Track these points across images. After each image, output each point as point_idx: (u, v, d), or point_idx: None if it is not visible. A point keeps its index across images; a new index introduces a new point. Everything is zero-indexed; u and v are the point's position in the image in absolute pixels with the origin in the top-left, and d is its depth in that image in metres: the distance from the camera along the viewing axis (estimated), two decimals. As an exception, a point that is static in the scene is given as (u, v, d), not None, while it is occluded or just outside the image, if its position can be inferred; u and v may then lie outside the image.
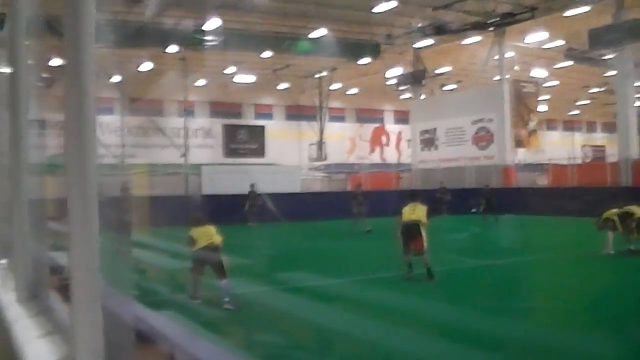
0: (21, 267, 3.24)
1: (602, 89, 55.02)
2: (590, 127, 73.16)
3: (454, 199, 32.26)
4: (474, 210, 29.52)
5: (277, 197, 29.54)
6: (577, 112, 66.44)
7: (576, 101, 61.63)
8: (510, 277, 13.93)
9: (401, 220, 12.65)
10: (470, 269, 14.76)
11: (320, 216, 29.91)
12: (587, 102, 62.05)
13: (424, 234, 12.35)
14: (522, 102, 38.84)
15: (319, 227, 27.40)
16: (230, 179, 32.47)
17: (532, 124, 39.51)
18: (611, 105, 62.54)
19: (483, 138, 38.60)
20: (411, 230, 12.38)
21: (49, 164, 3.97)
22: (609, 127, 72.79)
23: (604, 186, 30.90)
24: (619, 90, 33.48)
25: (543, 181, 39.20)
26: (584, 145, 69.67)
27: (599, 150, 68.63)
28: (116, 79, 39.89)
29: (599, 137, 73.23)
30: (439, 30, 31.38)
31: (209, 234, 10.81)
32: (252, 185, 29.27)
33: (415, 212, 12.63)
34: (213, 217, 25.80)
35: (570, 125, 69.66)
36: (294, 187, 34.08)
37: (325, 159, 46.60)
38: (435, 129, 41.80)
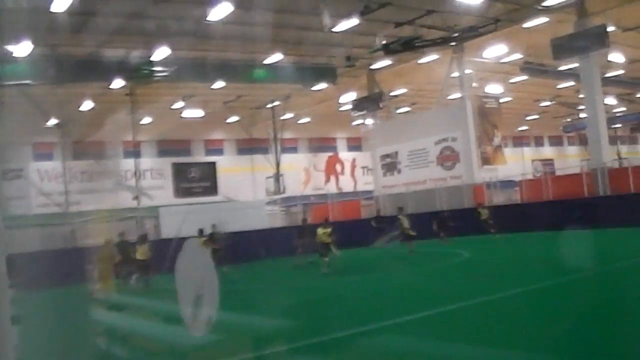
0: None
1: (553, 102, 54.92)
2: (538, 142, 73.27)
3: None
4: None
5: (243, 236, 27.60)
6: (526, 127, 66.34)
7: (527, 116, 61.39)
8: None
9: (318, 238, 21.21)
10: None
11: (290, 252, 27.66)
12: (537, 116, 61.93)
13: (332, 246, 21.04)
14: (486, 119, 37.76)
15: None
16: (190, 219, 30.18)
17: (497, 140, 38.43)
18: (560, 117, 63.14)
19: (448, 158, 37.28)
20: (324, 244, 20.89)
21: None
22: (556, 141, 73.44)
23: (581, 197, 30.12)
24: (587, 98, 32.44)
25: (512, 198, 38.01)
26: (533, 160, 69.71)
27: (548, 164, 68.70)
28: (55, 120, 37.31)
29: (547, 151, 73.46)
30: (404, 46, 29.80)
31: None
32: (213, 226, 26.60)
33: (325, 232, 21.19)
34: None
35: (519, 140, 69.57)
36: (261, 223, 31.98)
37: (284, 191, 44.58)
38: (396, 153, 40.37)
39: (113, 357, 10.62)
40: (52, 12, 23.69)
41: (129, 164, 42.41)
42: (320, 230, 21.56)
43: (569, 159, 67.93)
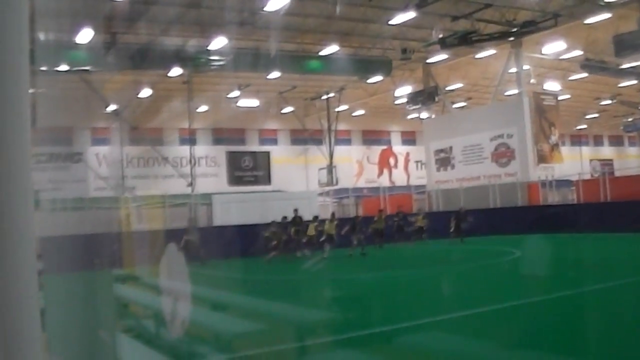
0: None
1: (614, 101, 53.63)
2: (597, 141, 71.63)
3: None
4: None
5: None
6: (584, 126, 64.97)
7: (585, 114, 60.07)
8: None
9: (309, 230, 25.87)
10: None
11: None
12: (596, 115, 60.54)
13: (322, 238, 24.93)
14: (543, 116, 37.12)
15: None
16: (243, 208, 30.52)
17: (554, 138, 37.73)
18: (620, 117, 61.61)
19: (503, 154, 36.79)
20: (318, 236, 25.27)
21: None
22: (616, 140, 71.69)
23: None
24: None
25: (568, 197, 37.31)
26: (592, 160, 68.18)
27: (607, 164, 67.13)
28: (114, 107, 38.01)
29: (606, 151, 71.79)
30: (461, 40, 29.48)
31: None
32: (295, 211, 27.54)
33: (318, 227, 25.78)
34: (237, 250, 24.55)
35: (577, 139, 68.09)
36: (311, 214, 31.99)
37: (337, 183, 44.56)
38: (451, 148, 40.02)
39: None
40: (112, 0, 24.17)
41: (184, 151, 42.99)
42: (311, 226, 26.07)
43: (630, 160, 66.24)
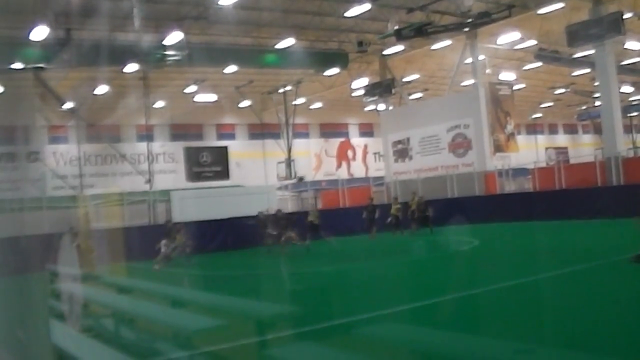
0: None
1: (568, 90, 54.55)
2: (552, 129, 72.81)
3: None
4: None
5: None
6: (539, 115, 66.00)
7: (540, 103, 61.03)
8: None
9: None
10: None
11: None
12: (551, 104, 61.55)
13: None
14: (499, 106, 37.63)
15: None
16: (202, 203, 30.32)
17: (509, 128, 38.27)
18: (574, 106, 62.74)
19: (460, 145, 37.14)
20: None
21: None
22: (570, 129, 72.99)
23: (594, 186, 29.94)
24: (602, 86, 32.24)
25: (524, 186, 37.92)
26: (547, 148, 69.33)
27: (562, 152, 68.30)
28: (70, 104, 37.46)
29: (561, 139, 73.02)
30: (417, 32, 29.67)
31: None
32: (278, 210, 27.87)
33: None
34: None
35: (532, 128, 69.16)
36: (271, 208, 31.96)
37: (296, 177, 44.59)
38: (408, 139, 40.26)
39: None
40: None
41: (142, 147, 42.61)
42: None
43: (584, 148, 67.59)
